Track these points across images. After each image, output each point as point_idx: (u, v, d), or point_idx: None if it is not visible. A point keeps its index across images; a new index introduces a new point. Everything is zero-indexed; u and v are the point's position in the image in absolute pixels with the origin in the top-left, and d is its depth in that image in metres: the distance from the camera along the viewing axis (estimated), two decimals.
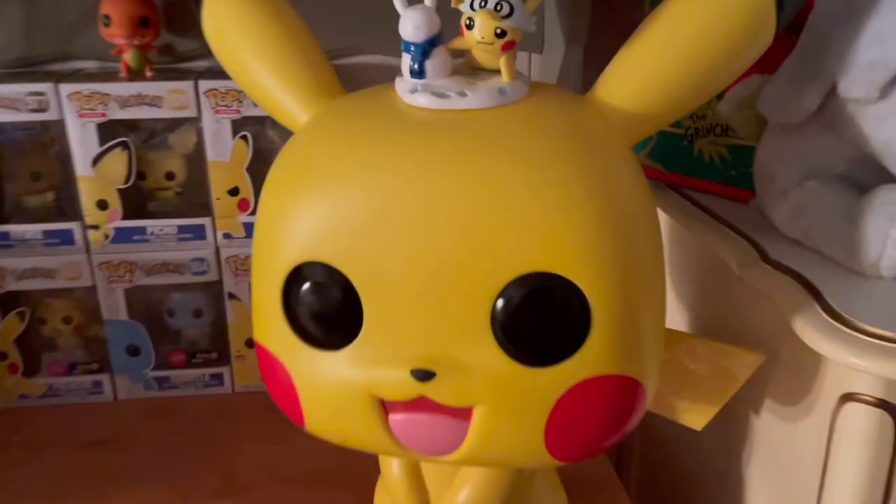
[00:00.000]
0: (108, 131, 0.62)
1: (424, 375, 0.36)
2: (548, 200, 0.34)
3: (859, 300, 0.41)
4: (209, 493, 0.58)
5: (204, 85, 0.61)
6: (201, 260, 0.65)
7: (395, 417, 0.38)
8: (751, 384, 0.48)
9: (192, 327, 0.69)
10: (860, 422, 0.39)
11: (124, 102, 0.60)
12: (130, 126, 0.63)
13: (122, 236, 0.64)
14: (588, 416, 0.37)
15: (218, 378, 0.70)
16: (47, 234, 0.64)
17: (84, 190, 0.62)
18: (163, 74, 0.62)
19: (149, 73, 0.62)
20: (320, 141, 0.38)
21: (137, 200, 0.65)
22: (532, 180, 0.35)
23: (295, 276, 0.38)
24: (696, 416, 0.47)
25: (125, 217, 0.64)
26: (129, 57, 0.62)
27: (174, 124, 0.64)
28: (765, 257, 0.47)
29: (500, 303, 0.35)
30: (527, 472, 0.45)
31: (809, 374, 0.43)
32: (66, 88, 0.60)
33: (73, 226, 0.64)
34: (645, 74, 0.38)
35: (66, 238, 0.64)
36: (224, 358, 0.69)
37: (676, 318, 0.62)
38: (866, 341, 0.37)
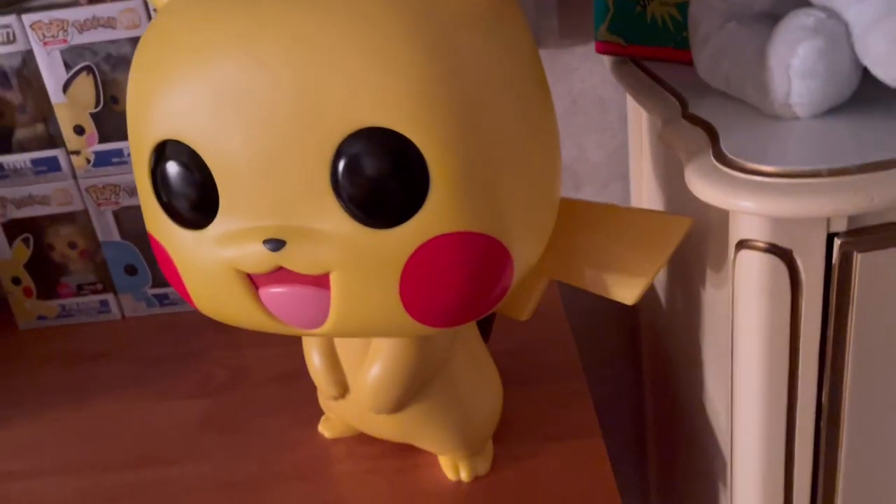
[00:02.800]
0: (74, 57, 0.64)
1: (276, 245, 0.36)
2: (372, 52, 0.33)
3: (760, 143, 0.37)
4: (187, 393, 0.61)
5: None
6: None
7: (265, 291, 0.38)
8: (692, 249, 0.45)
9: None
10: (753, 270, 0.36)
11: (82, 26, 0.63)
12: (102, 53, 0.65)
13: (102, 159, 0.67)
14: (442, 276, 0.35)
15: None
16: (35, 162, 0.67)
17: (60, 117, 0.66)
18: None
19: None
20: (169, 22, 0.38)
21: (114, 124, 0.67)
22: (353, 33, 0.33)
23: (157, 158, 0.38)
24: (625, 290, 0.45)
25: (102, 140, 0.67)
26: None
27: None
28: (685, 113, 0.43)
29: (337, 163, 0.34)
30: (437, 350, 0.45)
31: (723, 225, 0.40)
32: (28, 18, 0.62)
33: (57, 153, 0.67)
34: None
35: (52, 165, 0.68)
36: None
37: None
38: (746, 180, 0.34)
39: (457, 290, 0.36)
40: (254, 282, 0.38)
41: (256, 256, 0.37)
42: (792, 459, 0.38)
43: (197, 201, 0.38)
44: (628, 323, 0.82)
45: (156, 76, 0.37)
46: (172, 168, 0.38)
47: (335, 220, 0.35)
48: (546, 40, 0.72)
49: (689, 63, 0.53)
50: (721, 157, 0.36)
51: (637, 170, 0.71)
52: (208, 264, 0.38)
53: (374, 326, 0.38)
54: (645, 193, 0.68)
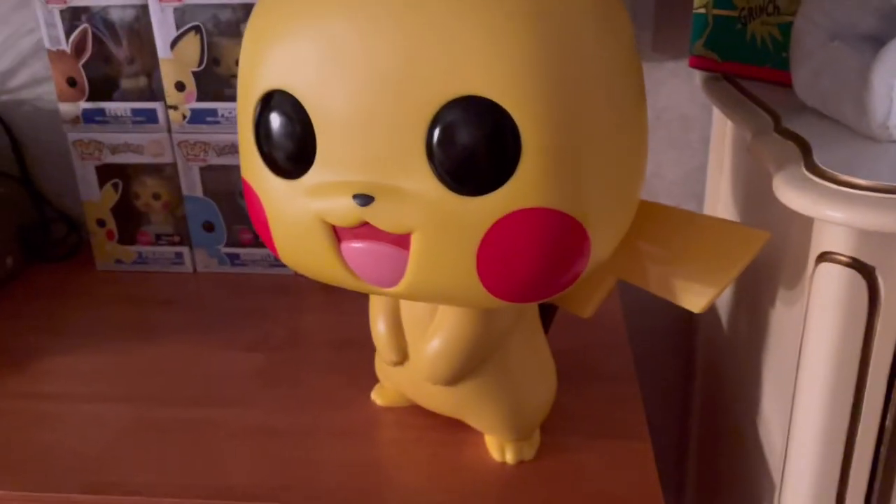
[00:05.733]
0: (184, 17, 0.67)
1: (364, 200, 0.38)
2: (477, 22, 0.34)
3: (854, 158, 0.37)
4: (246, 346, 0.63)
5: None
6: None
7: (346, 245, 0.40)
8: (765, 267, 0.45)
9: None
10: (832, 283, 0.35)
11: None
12: (210, 16, 0.68)
13: (197, 117, 0.70)
14: (519, 250, 0.36)
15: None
16: (135, 112, 0.71)
17: (164, 72, 0.69)
18: None
19: None
20: None
21: (213, 84, 0.70)
22: (466, 4, 0.34)
23: (263, 108, 0.40)
24: (695, 298, 0.45)
25: (200, 99, 0.70)
26: None
27: (248, 14, 0.68)
28: (777, 127, 0.43)
29: (433, 128, 0.36)
30: (498, 330, 0.45)
31: (804, 240, 0.40)
32: None
33: (156, 105, 0.71)
34: None
35: (151, 117, 0.71)
36: None
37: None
38: (836, 190, 0.34)
39: (532, 265, 0.37)
40: (337, 235, 0.40)
41: (344, 209, 0.38)
42: (846, 482, 0.38)
43: (294, 152, 0.40)
44: (685, 344, 0.82)
45: (270, 29, 0.39)
46: (276, 118, 0.40)
47: (424, 183, 0.37)
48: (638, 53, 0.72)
49: (785, 84, 0.53)
50: (813, 168, 0.36)
51: (714, 191, 0.70)
52: (297, 213, 0.40)
53: (446, 292, 0.39)
54: (720, 215, 0.68)
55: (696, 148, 0.75)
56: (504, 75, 0.34)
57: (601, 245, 0.39)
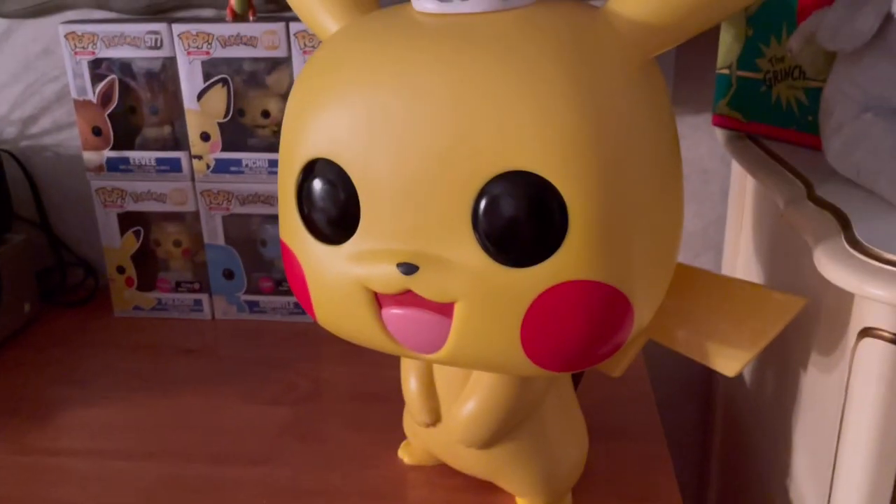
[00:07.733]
0: (211, 68, 0.68)
1: (408, 269, 0.38)
2: (530, 99, 0.35)
3: (895, 233, 0.37)
4: (271, 399, 0.63)
5: (294, 27, 0.66)
6: None
7: (388, 312, 0.40)
8: (795, 331, 0.45)
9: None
10: (876, 358, 0.36)
11: (225, 42, 0.67)
12: (236, 68, 0.69)
13: (221, 167, 0.71)
14: (564, 322, 0.37)
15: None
16: (159, 161, 0.71)
17: (190, 122, 0.70)
18: (263, 19, 0.68)
19: (251, 18, 0.68)
20: (335, 51, 0.41)
21: (238, 136, 0.71)
22: (516, 80, 0.35)
23: (307, 174, 0.40)
24: (728, 362, 0.45)
25: (225, 149, 0.70)
26: (234, 2, 0.68)
27: (272, 66, 0.69)
28: (811, 195, 0.44)
29: (480, 200, 0.36)
30: (534, 393, 0.45)
31: (843, 311, 0.40)
32: (177, 28, 0.67)
33: (180, 155, 0.71)
34: None
35: (175, 166, 0.71)
36: None
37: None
38: (880, 268, 0.34)
39: (577, 336, 0.37)
40: (378, 301, 0.40)
41: (388, 277, 0.38)
42: None
43: (338, 219, 0.40)
44: (704, 398, 0.81)
45: (316, 98, 0.40)
46: (319, 185, 0.40)
47: (469, 253, 0.37)
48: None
49: (810, 146, 0.53)
50: (855, 244, 0.36)
51: (733, 244, 0.71)
52: (338, 279, 0.40)
53: (487, 360, 0.39)
54: (740, 268, 0.68)
55: (716, 200, 0.76)
56: (552, 151, 0.35)
57: (643, 314, 0.39)
